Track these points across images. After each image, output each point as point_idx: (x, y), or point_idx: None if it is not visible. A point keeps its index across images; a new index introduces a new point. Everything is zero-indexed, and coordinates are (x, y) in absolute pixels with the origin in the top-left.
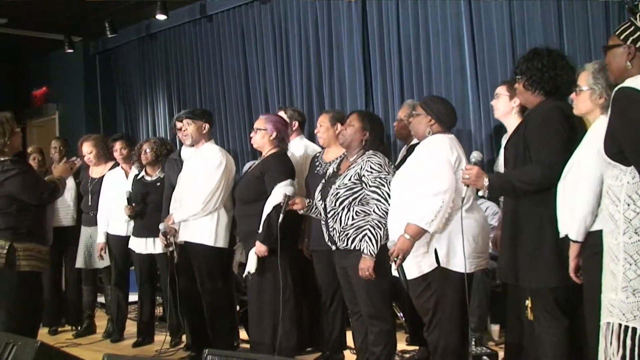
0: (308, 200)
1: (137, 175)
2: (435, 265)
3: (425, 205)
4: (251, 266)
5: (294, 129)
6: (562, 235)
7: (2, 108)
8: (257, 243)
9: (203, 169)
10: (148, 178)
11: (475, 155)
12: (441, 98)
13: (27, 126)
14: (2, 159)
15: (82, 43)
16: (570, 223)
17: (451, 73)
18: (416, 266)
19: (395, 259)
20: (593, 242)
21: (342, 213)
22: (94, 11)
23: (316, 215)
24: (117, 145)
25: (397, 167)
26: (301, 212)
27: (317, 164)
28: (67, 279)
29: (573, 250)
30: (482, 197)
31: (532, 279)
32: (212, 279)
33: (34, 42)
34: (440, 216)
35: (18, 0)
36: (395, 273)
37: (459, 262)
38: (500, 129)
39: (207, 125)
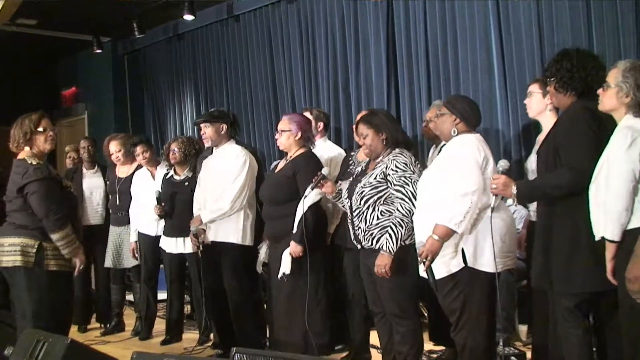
0: (338, 189)
1: (166, 174)
2: (463, 265)
3: (453, 206)
4: (286, 267)
5: (319, 129)
6: (597, 237)
7: (33, 108)
8: (293, 243)
9: (227, 168)
10: (177, 178)
11: (503, 164)
12: (465, 97)
13: (56, 126)
14: (30, 162)
15: (111, 43)
16: (605, 223)
17: (478, 72)
18: (444, 266)
19: (424, 260)
20: (629, 241)
21: (367, 212)
22: (123, 12)
23: (343, 206)
24: (139, 150)
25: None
26: (329, 196)
27: (350, 162)
28: (97, 278)
29: (610, 251)
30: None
31: (567, 284)
32: (238, 278)
33: (64, 43)
34: (468, 217)
35: (48, 1)
36: (423, 274)
37: (487, 262)
38: (529, 127)
39: (224, 126)
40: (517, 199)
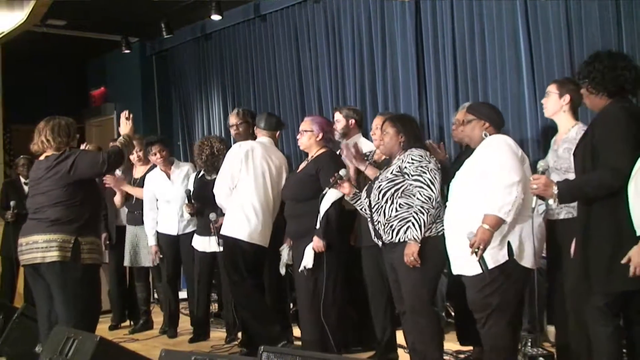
0: (356, 190)
1: (197, 173)
2: (507, 258)
3: (501, 196)
4: (308, 261)
5: (351, 127)
6: (639, 233)
7: (62, 108)
8: (316, 238)
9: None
10: (208, 177)
11: (542, 164)
12: (485, 102)
13: (85, 126)
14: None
15: (139, 44)
16: None
17: (507, 71)
18: (490, 258)
19: (476, 250)
20: None
21: (385, 206)
22: (151, 12)
23: (361, 209)
24: (154, 149)
25: (453, 166)
26: (347, 198)
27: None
28: (131, 276)
29: None
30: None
31: (608, 283)
32: (228, 272)
33: (92, 43)
34: (515, 207)
35: (77, 2)
36: (457, 271)
37: (526, 258)
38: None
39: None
40: (559, 200)
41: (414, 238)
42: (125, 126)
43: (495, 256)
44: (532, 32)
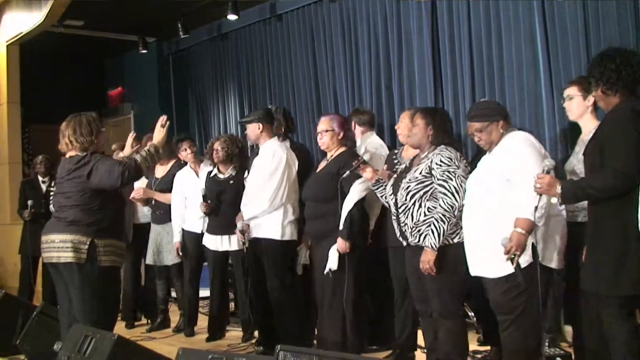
0: (379, 177)
1: (209, 173)
2: (531, 260)
3: (531, 199)
4: (333, 263)
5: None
6: None
7: (80, 108)
8: (340, 240)
9: (265, 166)
10: (221, 176)
11: (548, 163)
12: (483, 100)
13: (103, 125)
14: (85, 153)
15: (156, 44)
16: None
17: (524, 70)
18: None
19: (513, 255)
20: None
21: (413, 208)
22: (168, 13)
23: (382, 197)
24: (185, 145)
25: (470, 164)
26: (368, 183)
27: (395, 161)
28: (146, 275)
29: None
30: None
31: (615, 286)
32: (278, 275)
33: (110, 43)
34: (545, 207)
35: (94, 3)
36: (475, 273)
37: (549, 258)
38: (575, 125)
39: (260, 125)
40: (562, 199)
41: (431, 246)
42: (159, 133)
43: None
44: (549, 31)
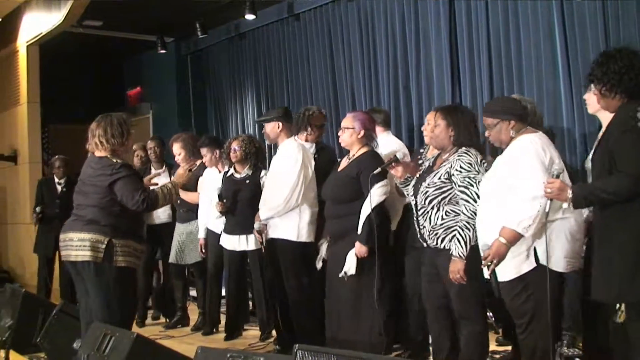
0: (408, 175)
1: (226, 172)
2: (534, 264)
3: (522, 210)
4: (351, 267)
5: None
6: None
7: (99, 107)
8: (358, 244)
9: (281, 166)
10: (237, 175)
11: (557, 167)
12: (501, 97)
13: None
14: (115, 160)
15: (174, 44)
16: None
17: (542, 69)
18: (514, 266)
19: (489, 263)
20: None
21: (431, 212)
22: (186, 13)
23: (408, 194)
24: (203, 151)
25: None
26: (397, 181)
27: (420, 161)
28: (164, 273)
29: None
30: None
31: (633, 293)
32: (295, 276)
33: (128, 43)
34: (537, 221)
35: (113, 3)
36: (487, 276)
37: (556, 262)
38: (595, 123)
39: (279, 124)
40: (573, 204)
41: (460, 255)
42: (181, 175)
43: (518, 266)
44: (567, 30)
